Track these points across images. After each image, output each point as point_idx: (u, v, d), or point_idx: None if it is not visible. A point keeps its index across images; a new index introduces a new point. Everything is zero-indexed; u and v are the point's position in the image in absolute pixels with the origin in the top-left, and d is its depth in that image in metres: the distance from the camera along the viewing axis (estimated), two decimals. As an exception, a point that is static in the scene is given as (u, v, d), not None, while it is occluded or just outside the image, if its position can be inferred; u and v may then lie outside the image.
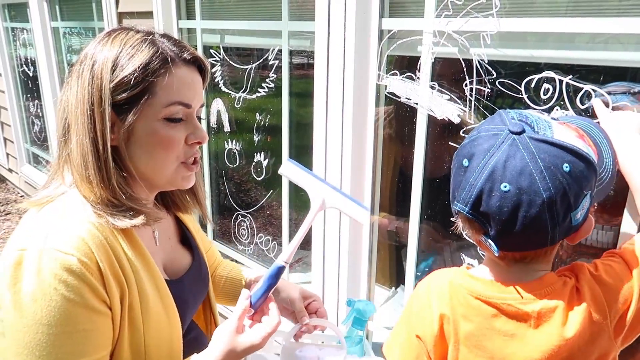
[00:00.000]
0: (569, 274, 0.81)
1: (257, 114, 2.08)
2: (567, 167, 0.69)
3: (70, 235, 0.80)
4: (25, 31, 4.04)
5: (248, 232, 2.32)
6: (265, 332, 0.91)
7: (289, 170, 1.03)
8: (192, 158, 0.92)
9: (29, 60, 4.15)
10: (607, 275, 0.78)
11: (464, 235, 0.93)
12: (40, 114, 4.15)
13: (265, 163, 2.12)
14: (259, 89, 2.03)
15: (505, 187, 0.69)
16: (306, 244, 2.32)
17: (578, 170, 0.70)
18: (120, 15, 2.66)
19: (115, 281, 0.83)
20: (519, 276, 0.80)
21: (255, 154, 2.14)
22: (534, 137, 0.71)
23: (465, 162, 0.73)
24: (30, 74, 4.15)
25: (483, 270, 0.86)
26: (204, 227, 2.35)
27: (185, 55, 0.88)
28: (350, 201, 1.04)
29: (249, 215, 2.30)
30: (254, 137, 2.11)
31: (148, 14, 2.40)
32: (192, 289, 1.06)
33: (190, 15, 2.30)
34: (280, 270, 0.99)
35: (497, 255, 0.77)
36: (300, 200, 2.05)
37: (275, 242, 2.20)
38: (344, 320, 1.27)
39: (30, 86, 4.23)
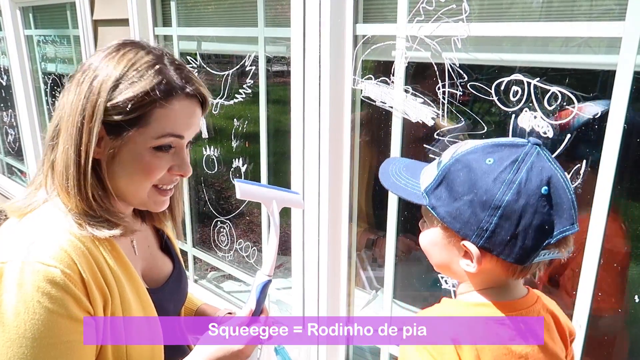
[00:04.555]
0: None
1: (235, 120, 2.08)
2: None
3: (52, 246, 0.79)
4: (-2, 40, 3.98)
5: (228, 238, 2.31)
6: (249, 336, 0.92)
7: (244, 191, 1.03)
8: (168, 185, 0.92)
9: (1, 69, 4.07)
10: None
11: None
12: (14, 124, 4.08)
13: (244, 169, 2.12)
14: (236, 95, 2.03)
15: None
16: (287, 250, 2.32)
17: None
18: (96, 23, 2.64)
19: (99, 291, 0.82)
20: (518, 292, 0.80)
21: (233, 160, 2.14)
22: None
23: (545, 190, 0.69)
24: (4, 83, 4.08)
25: (482, 295, 0.80)
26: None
27: (188, 89, 0.85)
28: (291, 194, 1.07)
29: (228, 221, 2.29)
30: (232, 143, 2.12)
31: (124, 21, 2.38)
32: (172, 298, 1.06)
33: (166, 22, 2.29)
34: (266, 285, 0.98)
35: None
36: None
37: (255, 247, 2.19)
38: None
39: (3, 95, 4.15)
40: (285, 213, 1.93)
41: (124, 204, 0.92)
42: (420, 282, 1.87)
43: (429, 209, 0.76)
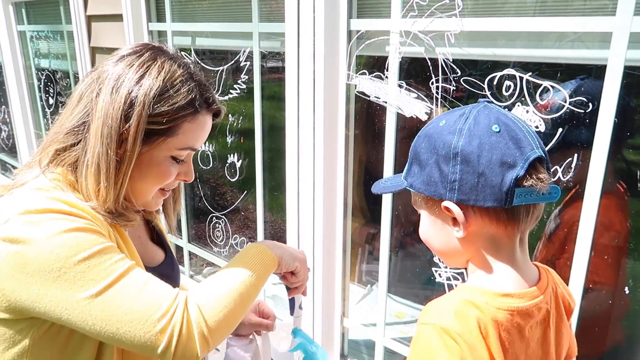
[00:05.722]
0: None
1: (230, 115, 2.08)
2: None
3: (51, 199, 0.81)
4: (-10, 35, 3.95)
5: (223, 234, 2.32)
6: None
7: None
8: (171, 188, 0.98)
9: (-6, 66, 4.05)
10: None
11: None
12: (8, 120, 4.06)
13: (239, 164, 2.12)
14: (230, 91, 2.04)
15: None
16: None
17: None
18: (89, 18, 2.63)
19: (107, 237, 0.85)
20: (527, 267, 0.79)
21: (228, 156, 2.14)
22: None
23: (496, 128, 0.72)
24: (-3, 80, 4.06)
25: (498, 277, 0.78)
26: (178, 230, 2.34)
27: (212, 107, 0.94)
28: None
29: (223, 217, 2.30)
30: (227, 139, 2.12)
31: (117, 17, 2.38)
32: (166, 282, 1.08)
33: (160, 18, 2.29)
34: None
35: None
36: (274, 200, 2.06)
37: (251, 242, 2.20)
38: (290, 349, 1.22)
39: (-4, 92, 4.13)
40: (280, 208, 1.94)
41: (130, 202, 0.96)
42: (415, 276, 1.89)
43: (409, 188, 0.80)
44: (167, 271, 1.10)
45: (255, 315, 1.22)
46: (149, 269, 0.97)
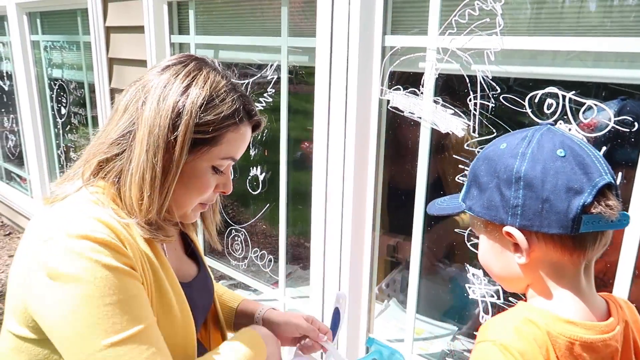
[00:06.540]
0: None
1: (254, 128, 2.08)
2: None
3: (90, 220, 0.81)
4: (1, 44, 3.94)
5: (242, 247, 2.30)
6: None
7: None
8: (210, 201, 0.98)
9: (4, 74, 4.04)
10: None
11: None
12: (16, 129, 4.04)
13: (261, 177, 2.11)
14: (256, 104, 2.04)
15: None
16: (299, 259, 2.32)
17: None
18: (108, 30, 2.64)
19: (139, 267, 0.84)
20: (593, 297, 0.76)
21: (251, 168, 2.14)
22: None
23: (561, 152, 0.70)
24: (6, 88, 4.04)
25: (560, 303, 0.75)
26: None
27: (255, 117, 0.94)
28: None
29: (243, 230, 2.28)
30: (250, 151, 2.11)
31: (139, 29, 2.38)
32: (200, 295, 1.08)
33: (183, 30, 2.30)
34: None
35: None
36: (298, 215, 2.06)
37: (271, 256, 2.19)
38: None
39: (5, 100, 4.11)
40: (304, 223, 1.94)
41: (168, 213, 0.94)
42: (441, 292, 1.88)
43: (467, 211, 0.79)
44: (201, 285, 1.10)
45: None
46: (183, 284, 0.98)
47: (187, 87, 0.87)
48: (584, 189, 0.69)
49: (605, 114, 1.17)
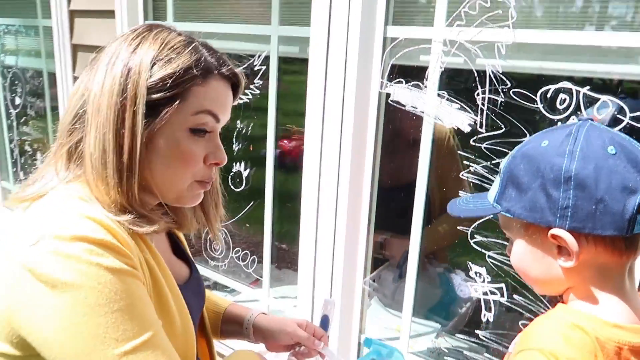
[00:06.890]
0: None
1: (238, 121, 1.98)
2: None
3: (81, 219, 0.73)
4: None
5: (223, 246, 2.19)
6: None
7: None
8: (207, 178, 0.88)
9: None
10: None
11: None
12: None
13: (245, 173, 2.01)
14: (241, 96, 1.93)
15: None
16: (286, 262, 2.24)
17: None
18: (72, 14, 2.44)
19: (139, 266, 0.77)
20: (636, 299, 0.73)
21: (234, 164, 2.03)
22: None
23: (612, 150, 0.67)
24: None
25: (606, 307, 0.72)
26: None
27: (224, 70, 0.84)
28: None
29: (223, 228, 2.17)
30: (234, 146, 2.01)
31: (109, 13, 2.22)
32: (195, 296, 1.02)
33: (159, 16, 2.15)
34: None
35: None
36: (285, 212, 1.98)
37: (254, 256, 2.09)
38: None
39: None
40: (292, 220, 1.86)
41: (154, 198, 0.86)
42: (430, 291, 1.85)
43: (505, 213, 0.74)
44: (196, 287, 1.03)
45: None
46: (180, 287, 0.91)
47: (136, 47, 0.78)
48: (639, 187, 0.66)
49: (621, 110, 1.16)
